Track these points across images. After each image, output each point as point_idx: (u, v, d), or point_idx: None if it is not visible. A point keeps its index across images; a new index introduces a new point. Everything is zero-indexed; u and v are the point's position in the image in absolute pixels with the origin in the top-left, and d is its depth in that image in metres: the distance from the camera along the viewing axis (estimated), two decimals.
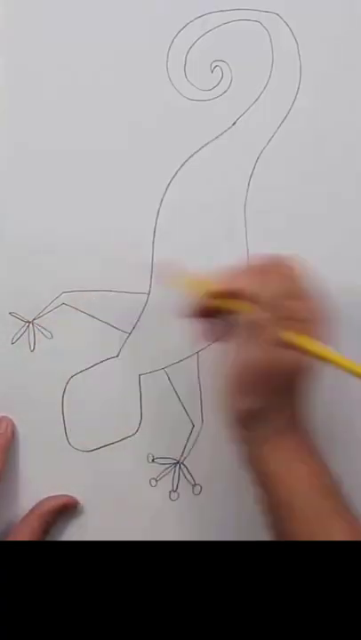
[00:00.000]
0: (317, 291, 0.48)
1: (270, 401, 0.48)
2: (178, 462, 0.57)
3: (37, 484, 0.56)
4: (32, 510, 0.56)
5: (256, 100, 0.55)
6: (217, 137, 0.55)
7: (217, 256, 0.56)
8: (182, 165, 0.56)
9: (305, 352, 0.46)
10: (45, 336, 0.57)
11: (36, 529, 0.55)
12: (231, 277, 0.48)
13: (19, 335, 0.57)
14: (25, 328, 0.56)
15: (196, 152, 0.55)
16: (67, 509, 0.57)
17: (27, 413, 0.57)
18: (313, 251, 0.56)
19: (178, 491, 0.57)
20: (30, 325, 0.56)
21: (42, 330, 0.56)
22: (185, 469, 0.57)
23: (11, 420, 0.57)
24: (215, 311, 0.49)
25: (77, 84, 0.55)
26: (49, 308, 0.56)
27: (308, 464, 0.49)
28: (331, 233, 0.56)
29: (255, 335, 0.47)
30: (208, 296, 0.49)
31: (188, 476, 0.57)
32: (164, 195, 0.56)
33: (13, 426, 0.57)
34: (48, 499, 0.56)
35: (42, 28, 0.55)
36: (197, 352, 0.57)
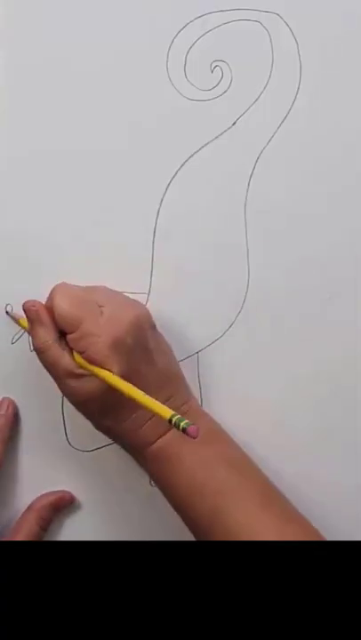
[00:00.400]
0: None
1: (109, 420, 0.52)
2: None
3: (37, 484, 0.56)
4: (28, 507, 0.56)
5: (256, 99, 0.55)
6: (217, 137, 0.55)
7: (217, 256, 0.56)
8: (182, 165, 0.56)
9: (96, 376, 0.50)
10: None
11: (33, 525, 0.56)
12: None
13: (19, 335, 0.57)
14: None
15: (196, 152, 0.55)
16: (62, 504, 0.57)
17: (27, 413, 0.57)
18: (313, 251, 0.56)
19: None
20: None
21: None
22: None
23: (12, 401, 0.57)
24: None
25: (77, 83, 0.55)
26: None
27: (199, 448, 0.51)
28: (331, 233, 0.56)
29: (48, 371, 0.52)
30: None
31: None
32: (164, 195, 0.56)
33: (15, 407, 0.57)
34: (43, 495, 0.57)
35: (42, 27, 0.55)
36: (197, 352, 0.57)
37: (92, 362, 0.50)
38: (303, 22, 0.55)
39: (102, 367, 0.49)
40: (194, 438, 0.43)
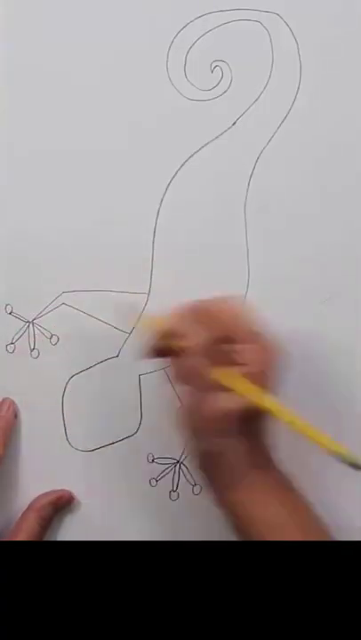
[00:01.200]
0: (264, 334, 0.47)
1: (225, 444, 0.48)
2: (178, 462, 0.57)
3: (37, 484, 0.56)
4: (28, 507, 0.56)
5: (256, 99, 0.55)
6: (217, 137, 0.55)
7: (217, 256, 0.56)
8: (182, 165, 0.56)
9: (242, 395, 0.46)
10: (45, 336, 0.56)
11: (32, 524, 0.55)
12: (172, 318, 0.48)
13: (19, 335, 0.57)
14: (25, 328, 0.56)
15: (196, 152, 0.55)
16: (62, 502, 0.57)
17: (27, 413, 0.57)
18: (313, 251, 0.56)
19: (178, 491, 0.57)
20: (30, 325, 0.56)
21: (42, 330, 0.56)
22: (185, 469, 0.57)
23: (13, 401, 0.57)
24: (168, 352, 0.49)
25: (77, 83, 0.55)
26: (49, 308, 0.56)
27: (282, 502, 0.48)
28: (331, 233, 0.56)
29: (186, 379, 0.47)
30: (156, 336, 0.49)
31: (188, 476, 0.57)
32: (164, 195, 0.56)
33: (16, 408, 0.57)
34: (43, 494, 0.57)
35: (41, 28, 0.55)
36: None
37: (259, 379, 0.46)
38: (303, 22, 0.55)
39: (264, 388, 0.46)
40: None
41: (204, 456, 0.50)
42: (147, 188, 0.56)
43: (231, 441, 0.48)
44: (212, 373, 0.47)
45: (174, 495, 0.57)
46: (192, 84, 0.55)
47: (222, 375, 0.47)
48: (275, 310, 0.56)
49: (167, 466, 0.57)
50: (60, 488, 0.57)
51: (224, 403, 0.46)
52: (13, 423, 0.56)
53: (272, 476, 0.49)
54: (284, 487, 0.49)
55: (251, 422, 0.48)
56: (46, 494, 0.57)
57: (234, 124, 0.55)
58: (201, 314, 0.48)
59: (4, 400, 0.57)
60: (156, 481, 0.57)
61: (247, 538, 0.49)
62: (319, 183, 0.56)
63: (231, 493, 0.49)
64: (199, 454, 0.50)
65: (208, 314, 0.48)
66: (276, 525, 0.48)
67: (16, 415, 0.57)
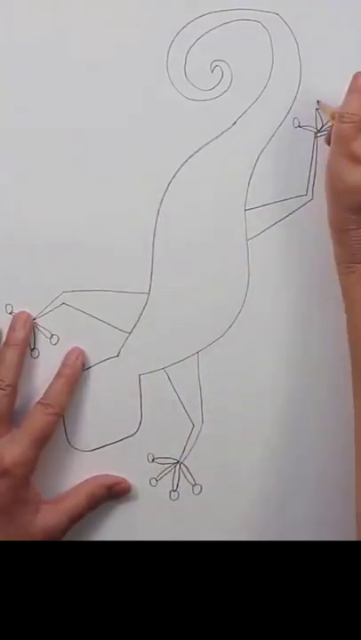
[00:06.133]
0: None
1: (352, 218, 0.51)
2: (178, 462, 0.57)
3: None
4: (85, 480, 0.56)
5: (256, 99, 0.55)
6: (217, 137, 0.55)
7: (217, 256, 0.56)
8: (182, 165, 0.56)
9: None
10: (45, 336, 0.56)
11: (81, 496, 0.56)
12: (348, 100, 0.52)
13: None
14: None
15: (196, 152, 0.55)
16: (117, 489, 0.57)
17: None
18: (313, 251, 0.56)
19: (178, 491, 0.57)
20: None
21: (42, 330, 0.56)
22: (185, 469, 0.57)
23: (82, 351, 0.56)
24: None
25: (77, 83, 0.55)
26: (49, 308, 0.56)
27: None
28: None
29: (338, 146, 0.51)
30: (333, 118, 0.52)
31: (188, 476, 0.57)
32: (164, 195, 0.56)
33: (85, 358, 0.56)
34: (103, 475, 0.57)
35: (41, 28, 0.55)
36: (197, 352, 0.57)
37: None
38: (303, 22, 0.55)
39: None
40: None
41: (336, 226, 0.52)
42: (147, 187, 0.56)
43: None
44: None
45: (174, 495, 0.57)
46: (192, 84, 0.55)
47: None
48: (275, 310, 0.56)
49: (167, 466, 0.57)
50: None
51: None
52: (80, 372, 0.56)
53: None
54: None
55: None
56: (105, 476, 0.57)
57: (234, 123, 0.55)
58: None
59: (73, 348, 0.56)
60: (156, 481, 0.57)
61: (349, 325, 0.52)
62: (319, 183, 0.56)
63: (348, 273, 0.52)
64: (333, 224, 0.52)
65: None
66: None
67: (84, 365, 0.56)
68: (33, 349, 0.56)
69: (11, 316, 0.56)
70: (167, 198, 0.56)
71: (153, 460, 0.57)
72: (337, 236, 0.52)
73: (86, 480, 0.57)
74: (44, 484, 0.56)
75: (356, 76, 0.52)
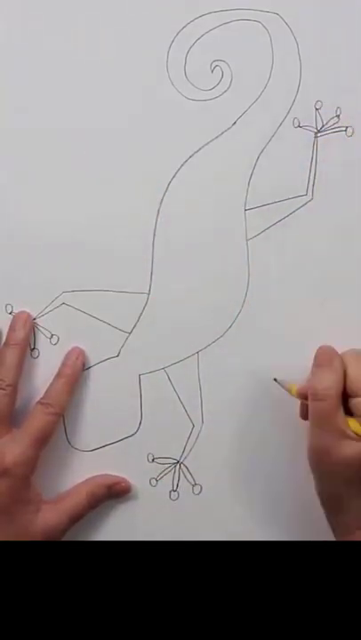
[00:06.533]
0: None
1: (351, 490, 0.50)
2: (178, 462, 0.57)
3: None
4: (85, 480, 0.56)
5: (256, 99, 0.55)
6: (217, 137, 0.55)
7: (217, 256, 0.56)
8: (182, 165, 0.56)
9: None
10: (45, 336, 0.57)
11: (82, 495, 0.56)
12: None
13: None
14: None
15: (196, 152, 0.55)
16: (117, 489, 0.56)
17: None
18: (313, 250, 0.56)
19: (178, 491, 0.57)
20: None
21: (42, 330, 0.56)
22: (185, 469, 0.57)
23: (83, 350, 0.56)
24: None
25: (77, 83, 0.55)
26: (49, 308, 0.56)
27: None
28: (330, 232, 0.56)
29: (319, 425, 0.50)
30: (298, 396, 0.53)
31: (188, 476, 0.57)
32: (164, 195, 0.56)
33: (85, 358, 0.56)
34: (103, 474, 0.57)
35: (41, 27, 0.55)
36: (197, 352, 0.57)
37: None
38: (303, 22, 0.55)
39: None
40: None
41: (329, 498, 0.51)
42: (147, 187, 0.56)
43: (357, 487, 0.50)
44: (344, 421, 0.50)
45: (174, 495, 0.57)
46: (192, 84, 0.55)
47: (352, 422, 0.50)
48: (275, 310, 0.56)
49: (167, 466, 0.57)
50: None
51: (353, 450, 0.49)
52: (81, 372, 0.56)
53: None
54: None
55: None
56: (105, 476, 0.57)
57: (234, 123, 0.55)
58: (336, 363, 0.52)
59: (73, 348, 0.56)
60: (156, 481, 0.57)
61: None
62: (319, 183, 0.56)
63: (351, 537, 0.50)
64: (325, 496, 0.51)
65: (339, 363, 0.52)
66: None
67: (84, 365, 0.56)
68: (33, 349, 0.57)
69: (11, 316, 0.56)
70: (167, 198, 0.56)
71: (153, 460, 0.57)
72: (337, 508, 0.51)
73: (86, 480, 0.57)
74: (44, 483, 0.56)
75: (319, 352, 0.53)
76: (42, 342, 0.57)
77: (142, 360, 0.57)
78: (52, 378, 0.56)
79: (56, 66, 0.55)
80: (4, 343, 0.55)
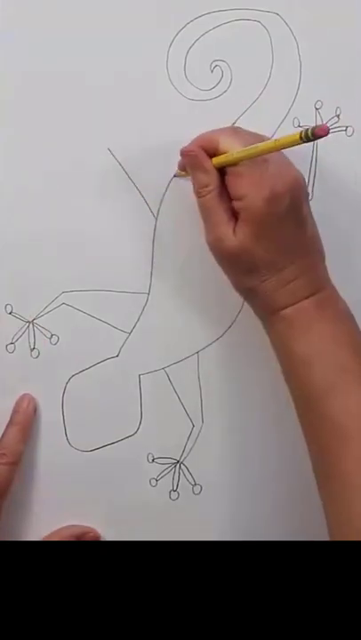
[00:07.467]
0: None
1: (250, 279, 0.51)
2: (178, 462, 0.57)
3: (38, 484, 0.56)
4: (52, 533, 0.56)
5: (256, 99, 0.55)
6: None
7: None
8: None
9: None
10: (45, 336, 0.57)
11: None
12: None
13: (19, 335, 0.57)
14: (25, 328, 0.56)
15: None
16: (86, 538, 0.57)
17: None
18: None
19: (178, 491, 0.57)
20: (30, 325, 0.56)
21: (42, 330, 0.56)
22: (185, 469, 0.57)
23: (33, 397, 0.56)
24: None
25: (76, 83, 0.55)
26: (49, 308, 0.56)
27: (331, 323, 0.50)
28: (329, 232, 0.56)
29: (205, 219, 0.52)
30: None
31: (188, 476, 0.57)
32: (165, 194, 0.56)
33: (36, 404, 0.56)
34: (68, 526, 0.57)
35: (40, 28, 0.55)
36: (197, 352, 0.57)
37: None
38: (303, 22, 0.55)
39: (257, 221, 0.49)
40: (325, 135, 0.43)
41: (238, 289, 0.53)
42: (147, 187, 0.56)
43: (249, 279, 0.51)
44: (222, 212, 0.50)
45: (174, 495, 0.57)
46: (192, 84, 0.55)
47: (227, 214, 0.50)
48: None
49: (167, 466, 0.57)
50: (60, 488, 0.57)
51: (232, 244, 0.50)
52: (33, 418, 0.56)
53: (311, 307, 0.51)
54: (327, 319, 0.51)
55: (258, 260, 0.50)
56: (73, 527, 0.57)
57: (234, 123, 0.55)
58: (204, 162, 0.52)
59: (24, 395, 0.56)
60: (156, 481, 0.57)
61: (284, 373, 0.52)
62: (319, 183, 0.56)
63: (268, 326, 0.52)
64: (236, 287, 0.53)
65: (207, 161, 0.52)
66: (314, 341, 0.50)
67: (35, 410, 0.57)
68: (33, 349, 0.57)
69: (11, 316, 0.56)
70: (167, 198, 0.56)
71: (153, 460, 0.57)
72: (252, 294, 0.52)
73: (55, 531, 0.56)
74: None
75: (185, 155, 0.52)
76: (42, 342, 0.56)
77: (142, 360, 0.57)
78: (52, 377, 0.56)
79: (56, 66, 0.55)
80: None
